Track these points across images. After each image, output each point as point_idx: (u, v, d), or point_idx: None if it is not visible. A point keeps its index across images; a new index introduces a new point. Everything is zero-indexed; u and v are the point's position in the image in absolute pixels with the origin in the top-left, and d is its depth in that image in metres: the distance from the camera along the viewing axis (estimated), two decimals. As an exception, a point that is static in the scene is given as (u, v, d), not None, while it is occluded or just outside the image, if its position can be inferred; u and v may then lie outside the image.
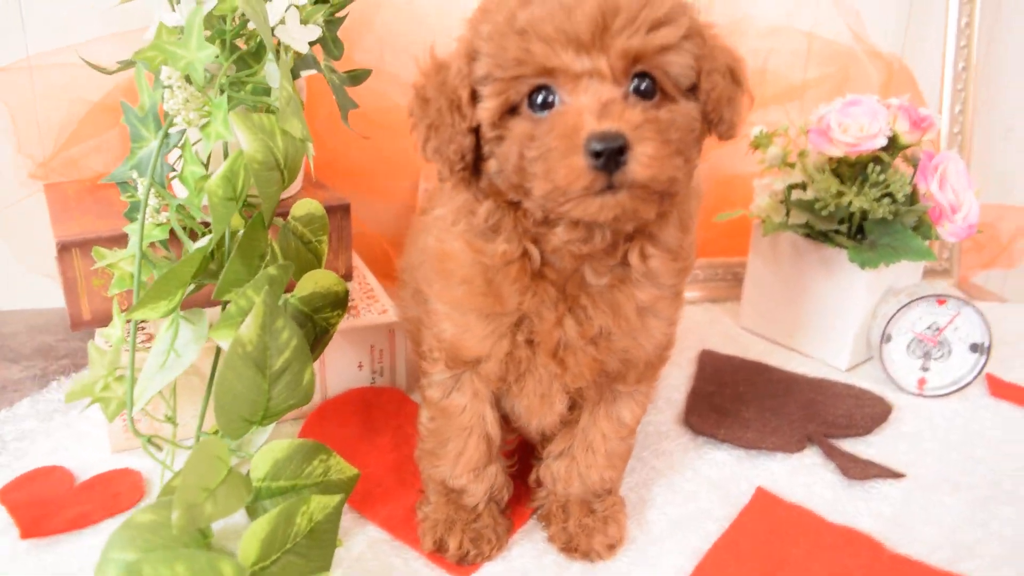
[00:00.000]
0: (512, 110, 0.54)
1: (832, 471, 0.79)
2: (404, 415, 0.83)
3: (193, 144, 0.71)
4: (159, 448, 0.70)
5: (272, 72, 0.73)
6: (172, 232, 0.71)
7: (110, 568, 0.55)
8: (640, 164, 0.49)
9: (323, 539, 0.62)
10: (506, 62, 0.52)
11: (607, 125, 0.49)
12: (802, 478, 0.77)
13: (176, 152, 0.73)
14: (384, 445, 0.79)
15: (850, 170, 0.91)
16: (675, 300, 0.63)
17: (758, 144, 1.01)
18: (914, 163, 0.93)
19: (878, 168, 0.89)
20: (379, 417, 0.83)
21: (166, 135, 0.71)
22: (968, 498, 0.75)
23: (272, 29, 0.73)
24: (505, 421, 0.70)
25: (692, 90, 0.55)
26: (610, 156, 0.49)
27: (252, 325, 0.62)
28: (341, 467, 0.66)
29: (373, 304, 0.90)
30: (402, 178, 1.12)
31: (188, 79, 0.69)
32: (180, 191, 0.79)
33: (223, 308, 0.71)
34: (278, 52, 0.73)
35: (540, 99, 0.52)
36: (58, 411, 0.84)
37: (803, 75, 1.22)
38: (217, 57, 0.70)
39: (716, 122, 0.56)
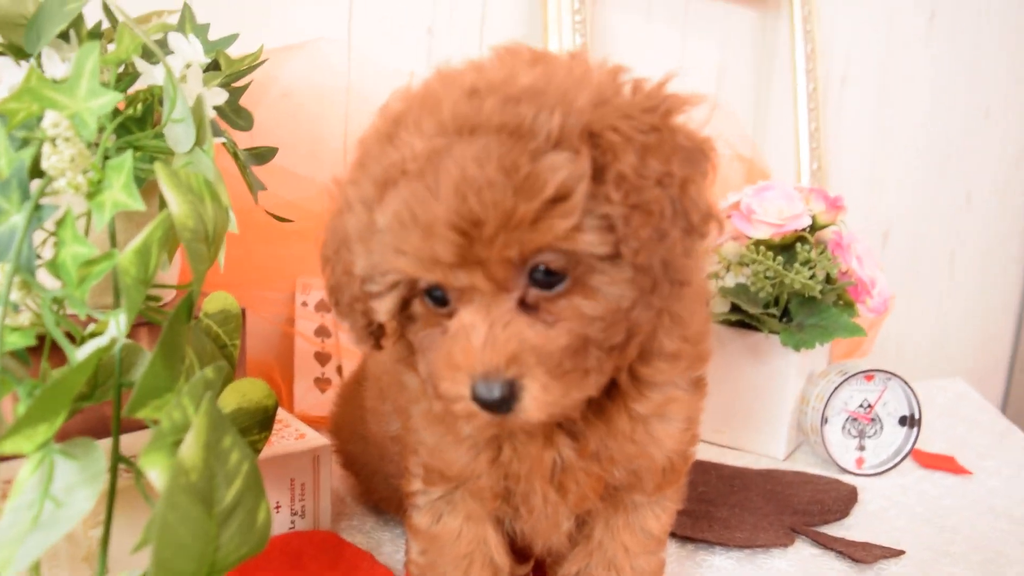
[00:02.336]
0: (411, 299, 0.47)
1: (835, 559, 0.72)
2: (347, 563, 0.65)
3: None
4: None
5: (180, 135, 0.59)
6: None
7: None
8: (530, 409, 0.42)
9: None
10: (382, 268, 0.44)
11: (488, 360, 0.42)
12: (812, 571, 0.70)
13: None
14: (331, 603, 0.61)
15: (772, 252, 0.91)
16: (693, 394, 0.53)
17: (666, 235, 0.99)
18: (822, 246, 0.95)
19: (807, 247, 0.89)
20: (315, 569, 0.64)
21: (37, 207, 0.54)
22: (973, 565, 0.72)
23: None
24: (513, 546, 0.56)
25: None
26: (496, 404, 0.42)
27: (194, 445, 0.45)
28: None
29: (284, 429, 0.73)
30: (279, 289, 0.97)
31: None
32: (47, 284, 0.60)
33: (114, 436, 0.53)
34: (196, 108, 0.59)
35: (437, 293, 0.45)
36: None
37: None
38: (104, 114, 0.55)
39: (652, 286, 0.43)
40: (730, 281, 0.94)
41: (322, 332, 0.95)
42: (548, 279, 0.43)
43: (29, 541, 0.47)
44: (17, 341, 0.53)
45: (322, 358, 0.94)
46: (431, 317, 0.46)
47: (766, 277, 0.88)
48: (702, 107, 0.46)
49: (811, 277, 0.88)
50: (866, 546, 0.74)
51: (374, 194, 0.43)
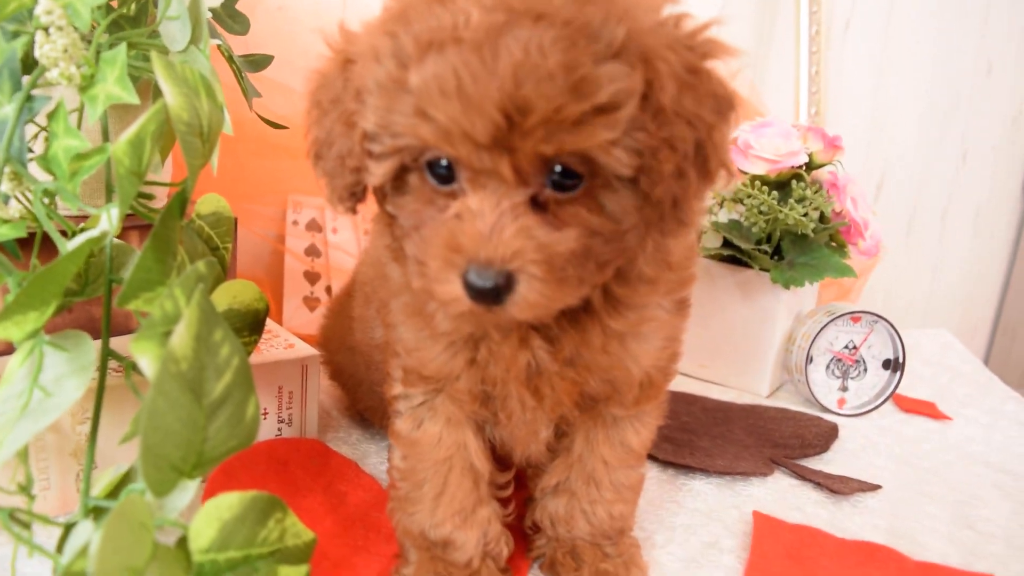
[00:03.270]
0: (408, 169, 0.45)
1: (812, 489, 0.73)
2: (333, 471, 0.66)
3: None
4: (25, 526, 0.48)
5: (175, 32, 0.58)
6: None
7: None
8: (520, 305, 0.41)
9: None
10: (395, 130, 0.42)
11: (490, 250, 0.41)
12: (789, 500, 0.71)
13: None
14: (316, 509, 0.62)
15: (767, 188, 0.91)
16: (675, 315, 0.53)
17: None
18: (817, 184, 0.94)
19: (802, 184, 0.88)
20: (301, 476, 0.65)
21: (28, 97, 0.53)
22: (948, 505, 0.73)
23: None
24: (493, 454, 0.57)
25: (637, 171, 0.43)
26: (488, 293, 0.41)
27: (185, 336, 0.45)
28: (298, 529, 0.49)
29: (274, 339, 0.73)
30: (269, 204, 0.96)
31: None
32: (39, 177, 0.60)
33: (106, 328, 0.52)
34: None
35: (441, 170, 0.43)
36: None
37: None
38: (97, 9, 0.54)
39: (658, 219, 0.44)
40: (723, 217, 0.94)
41: (312, 252, 0.94)
42: (564, 182, 0.42)
43: (18, 428, 0.48)
44: (7, 233, 0.53)
45: (311, 277, 0.94)
46: (428, 193, 0.44)
47: (760, 212, 0.88)
48: (737, 59, 0.46)
49: (805, 215, 0.88)
50: (844, 479, 0.75)
51: (414, 52, 0.41)
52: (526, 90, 0.38)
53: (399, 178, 0.45)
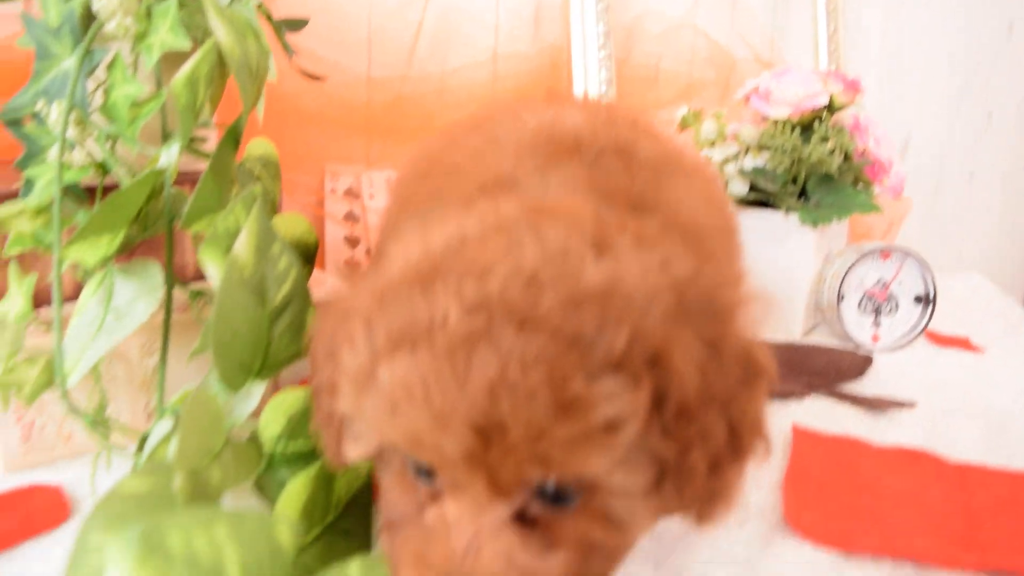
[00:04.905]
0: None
1: (848, 407, 0.75)
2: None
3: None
4: (104, 435, 0.52)
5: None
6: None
7: (90, 558, 0.38)
8: None
9: (363, 512, 0.48)
10: (367, 423, 0.38)
11: None
12: (826, 417, 0.73)
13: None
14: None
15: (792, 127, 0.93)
16: None
17: (686, 124, 1.01)
18: (840, 125, 0.96)
19: (824, 124, 0.90)
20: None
21: (88, 51, 0.57)
22: (983, 420, 0.74)
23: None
24: None
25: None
26: None
27: (247, 245, 0.49)
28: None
29: (320, 286, 0.76)
30: (308, 173, 1.00)
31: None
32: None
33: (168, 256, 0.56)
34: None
35: (418, 467, 0.39)
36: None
37: (689, 78, 1.25)
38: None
39: (694, 515, 0.39)
40: (748, 164, 0.96)
41: (350, 217, 0.98)
42: (557, 497, 0.36)
43: (94, 345, 0.52)
44: (73, 176, 0.57)
45: (351, 241, 0.98)
46: (409, 483, 0.40)
47: (784, 152, 0.90)
48: (758, 304, 0.40)
49: (830, 153, 0.90)
50: (879, 399, 0.77)
51: (384, 346, 0.36)
52: (502, 409, 0.33)
53: (379, 456, 0.41)
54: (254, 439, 0.48)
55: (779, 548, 0.54)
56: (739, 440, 0.37)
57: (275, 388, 0.67)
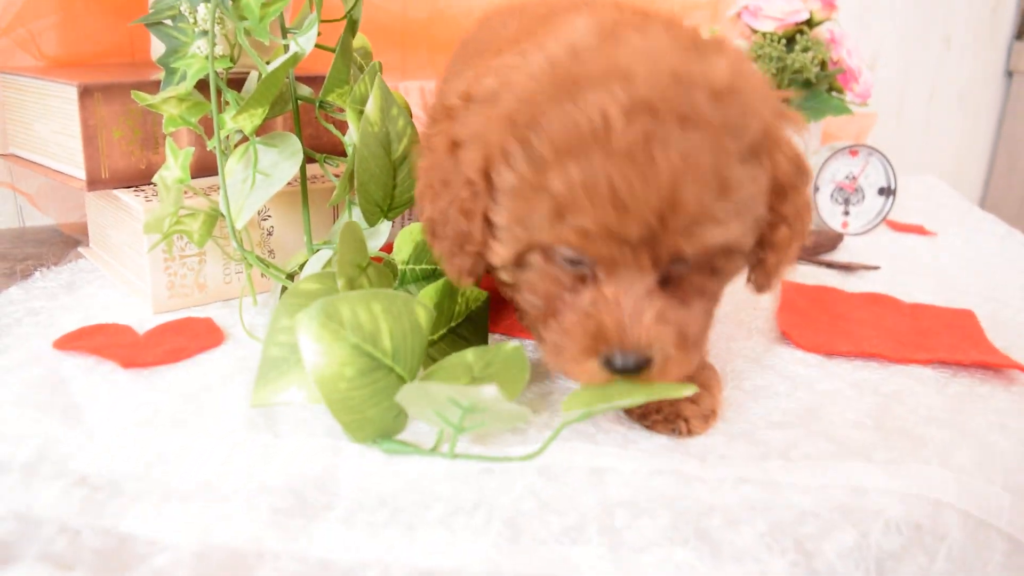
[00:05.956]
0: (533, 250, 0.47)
1: (824, 270, 0.92)
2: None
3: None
4: (266, 265, 0.66)
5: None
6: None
7: (280, 335, 0.52)
8: (657, 376, 0.45)
9: (479, 325, 0.62)
10: (531, 229, 0.44)
11: (634, 339, 0.43)
12: (807, 276, 0.89)
13: None
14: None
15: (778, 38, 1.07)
16: None
17: (684, 39, 1.15)
18: (818, 38, 1.11)
19: (805, 37, 1.05)
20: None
21: (222, -43, 0.69)
22: (936, 277, 0.91)
23: None
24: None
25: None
26: (630, 371, 0.44)
27: (374, 107, 0.62)
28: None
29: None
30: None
31: None
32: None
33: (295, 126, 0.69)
34: None
35: (570, 258, 0.45)
36: (65, 288, 0.75)
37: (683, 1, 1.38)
38: None
39: (764, 278, 0.51)
40: (740, 74, 1.11)
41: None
42: (684, 273, 0.45)
43: (251, 197, 0.65)
44: (218, 65, 0.69)
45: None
46: (555, 273, 0.46)
47: (770, 59, 1.05)
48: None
49: (812, 60, 1.05)
50: (849, 263, 0.93)
51: (552, 157, 0.41)
52: (683, 194, 0.40)
53: (521, 257, 0.47)
54: (389, 263, 0.62)
55: (778, 350, 0.70)
56: (803, 224, 0.48)
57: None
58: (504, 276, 0.50)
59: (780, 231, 0.47)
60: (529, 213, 0.43)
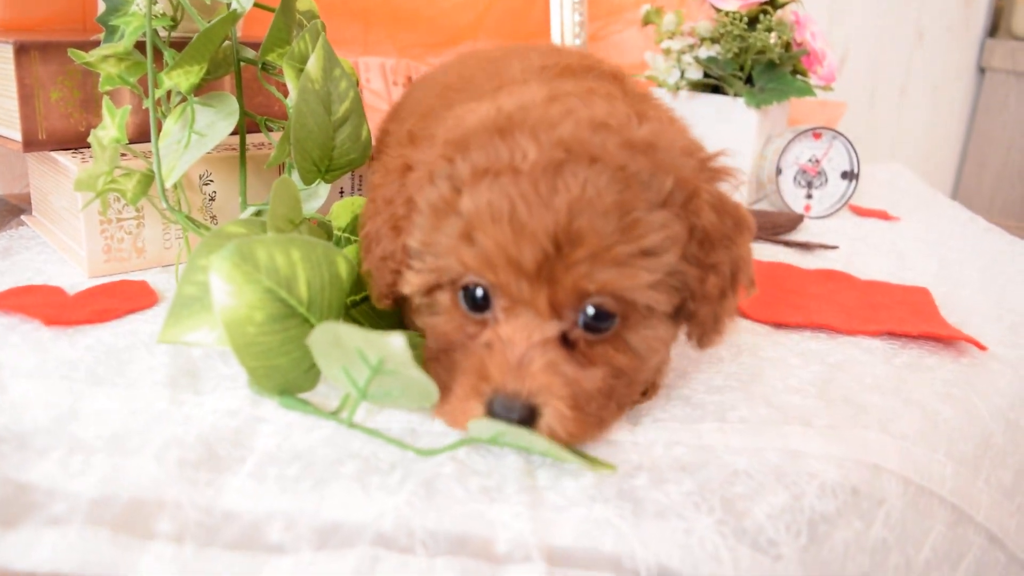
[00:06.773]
0: (442, 287, 0.47)
1: (783, 248, 0.91)
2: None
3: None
4: (196, 225, 0.64)
5: None
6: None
7: (197, 274, 0.49)
8: (544, 431, 0.44)
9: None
10: (438, 250, 0.45)
11: (516, 384, 0.43)
12: (765, 254, 0.89)
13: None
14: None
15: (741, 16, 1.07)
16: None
17: (649, 20, 1.14)
18: (781, 19, 1.10)
19: (768, 17, 1.04)
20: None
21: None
22: (893, 258, 0.91)
23: None
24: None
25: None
26: (512, 419, 0.43)
27: (316, 65, 0.60)
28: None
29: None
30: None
31: None
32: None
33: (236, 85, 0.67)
34: None
35: (475, 297, 0.45)
36: (0, 253, 0.73)
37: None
38: None
39: (700, 336, 0.49)
40: (703, 54, 1.10)
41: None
42: (597, 323, 0.44)
43: (184, 157, 0.63)
44: (157, 24, 0.67)
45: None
46: (459, 319, 0.46)
47: (732, 38, 1.04)
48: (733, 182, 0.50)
49: (774, 41, 1.04)
50: (808, 242, 0.93)
51: (468, 177, 0.43)
52: (579, 223, 0.41)
53: (430, 294, 0.47)
54: (324, 224, 0.61)
55: (726, 323, 0.69)
56: (736, 276, 0.48)
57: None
58: (415, 318, 0.50)
59: (709, 281, 0.46)
60: (439, 236, 0.44)
